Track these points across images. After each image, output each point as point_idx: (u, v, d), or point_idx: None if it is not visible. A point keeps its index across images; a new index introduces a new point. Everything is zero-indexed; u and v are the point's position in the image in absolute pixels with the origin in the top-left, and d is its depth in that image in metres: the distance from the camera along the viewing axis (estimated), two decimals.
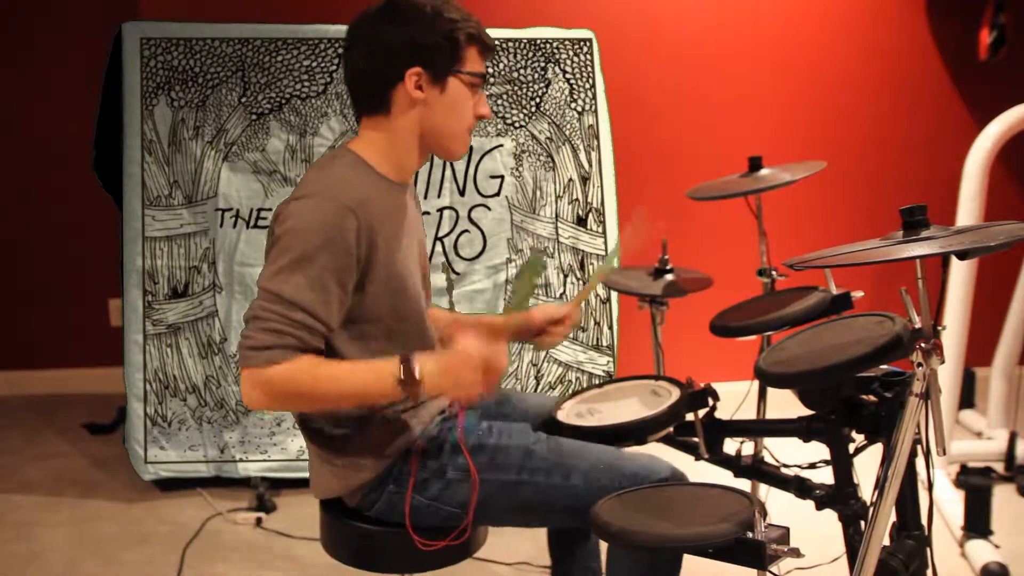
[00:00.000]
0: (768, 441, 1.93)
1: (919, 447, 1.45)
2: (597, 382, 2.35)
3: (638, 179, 3.68)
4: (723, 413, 1.71)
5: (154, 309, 3.10)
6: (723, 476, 1.66)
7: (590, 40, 3.27)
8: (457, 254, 3.20)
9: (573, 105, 3.26)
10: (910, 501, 1.48)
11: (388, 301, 1.57)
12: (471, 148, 3.17)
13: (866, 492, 1.50)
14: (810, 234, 3.82)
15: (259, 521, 2.90)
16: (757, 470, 1.73)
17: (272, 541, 2.80)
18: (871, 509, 1.39)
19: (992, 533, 2.59)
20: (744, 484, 1.70)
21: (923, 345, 1.34)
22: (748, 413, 2.07)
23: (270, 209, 3.11)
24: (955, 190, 3.03)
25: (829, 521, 1.61)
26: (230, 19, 3.18)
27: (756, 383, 2.02)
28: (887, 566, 1.41)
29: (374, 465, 1.61)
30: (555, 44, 3.25)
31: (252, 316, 1.45)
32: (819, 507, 1.57)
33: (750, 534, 1.32)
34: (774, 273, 2.28)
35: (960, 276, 2.95)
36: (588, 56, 3.26)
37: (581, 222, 3.26)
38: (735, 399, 2.20)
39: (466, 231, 3.21)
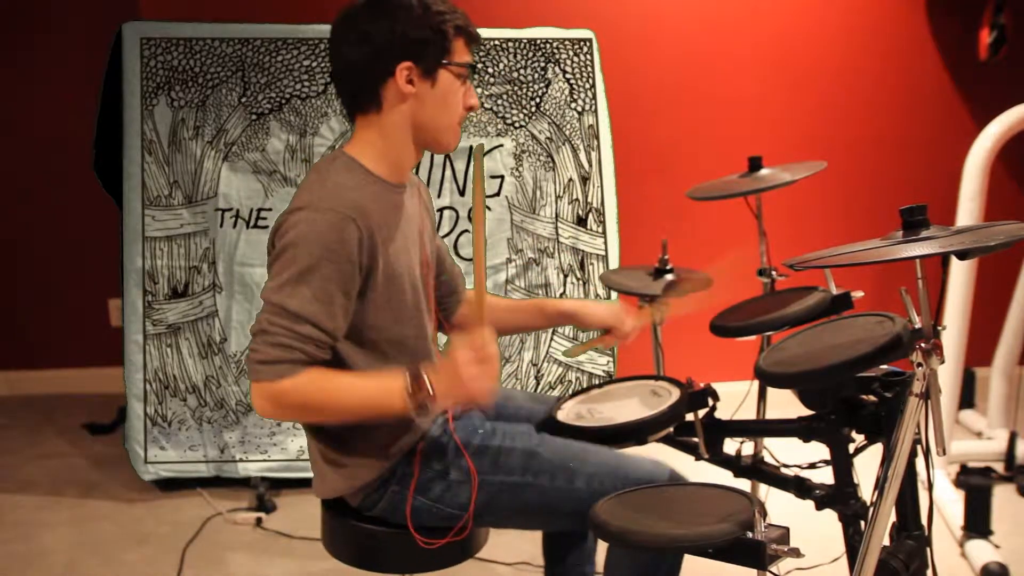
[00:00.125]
0: (768, 441, 1.92)
1: (919, 447, 1.44)
2: (597, 382, 2.35)
3: (638, 179, 3.69)
4: (723, 413, 1.71)
5: (154, 309, 3.10)
6: (723, 476, 1.66)
7: (590, 40, 3.27)
8: (457, 254, 3.20)
9: (573, 105, 3.25)
10: (910, 501, 1.48)
11: (388, 303, 1.57)
12: (470, 148, 3.18)
13: (866, 492, 1.50)
14: (810, 234, 3.82)
15: (259, 521, 2.91)
16: (757, 470, 1.73)
17: (272, 541, 2.80)
18: (871, 509, 1.39)
19: (992, 533, 2.59)
20: (744, 484, 1.70)
21: (923, 345, 1.34)
22: (748, 413, 2.08)
23: (270, 209, 3.11)
24: (955, 190, 3.03)
25: (829, 521, 1.61)
26: (230, 19, 3.17)
27: (756, 383, 2.02)
28: (887, 566, 1.41)
29: (377, 465, 1.61)
30: (555, 44, 3.25)
31: (259, 330, 1.46)
32: (819, 507, 1.58)
33: (750, 534, 1.32)
34: (774, 273, 2.28)
35: (960, 276, 2.95)
36: (588, 56, 3.26)
37: (581, 222, 3.26)
38: (735, 399, 2.20)
39: (466, 231, 3.21)
